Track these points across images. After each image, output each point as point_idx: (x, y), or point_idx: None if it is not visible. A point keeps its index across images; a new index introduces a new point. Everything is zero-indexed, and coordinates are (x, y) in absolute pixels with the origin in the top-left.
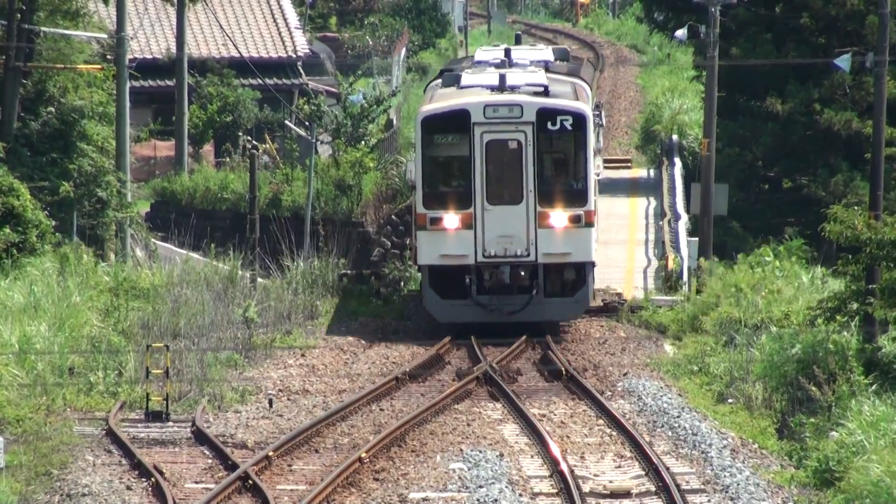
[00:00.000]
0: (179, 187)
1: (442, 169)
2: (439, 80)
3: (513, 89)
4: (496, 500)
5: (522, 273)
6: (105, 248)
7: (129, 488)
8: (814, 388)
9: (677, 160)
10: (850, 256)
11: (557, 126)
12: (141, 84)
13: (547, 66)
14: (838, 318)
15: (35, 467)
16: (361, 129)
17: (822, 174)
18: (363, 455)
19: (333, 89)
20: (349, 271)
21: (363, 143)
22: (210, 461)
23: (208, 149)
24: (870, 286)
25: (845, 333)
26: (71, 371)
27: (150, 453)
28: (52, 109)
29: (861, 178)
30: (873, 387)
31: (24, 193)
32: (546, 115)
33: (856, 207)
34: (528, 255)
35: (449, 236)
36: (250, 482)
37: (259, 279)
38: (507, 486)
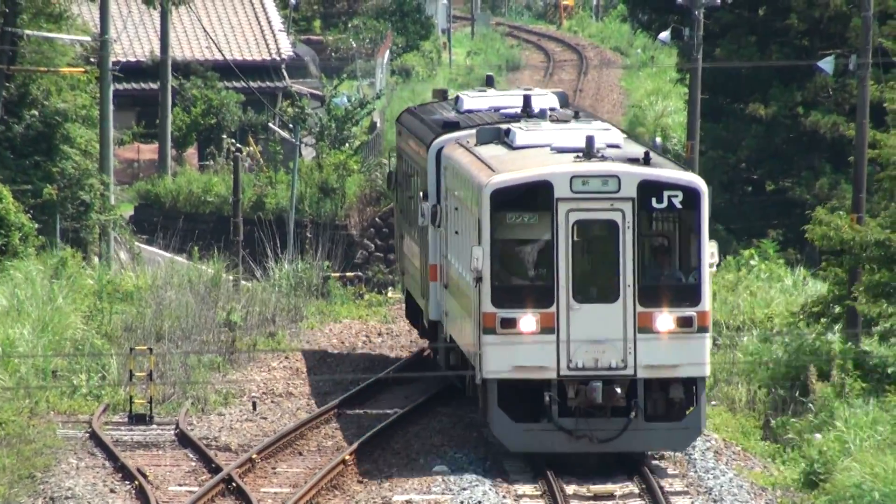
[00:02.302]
0: (163, 190)
1: (516, 256)
2: (463, 135)
3: (603, 155)
4: (480, 502)
5: (618, 390)
6: (88, 252)
7: (112, 491)
8: (813, 386)
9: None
10: (834, 259)
11: (664, 203)
12: (124, 87)
13: (577, 115)
14: (822, 320)
15: (18, 470)
16: (345, 131)
17: (805, 177)
18: (347, 457)
19: (317, 92)
20: (333, 273)
21: (347, 145)
22: (194, 464)
23: (192, 152)
24: (852, 289)
25: (829, 336)
26: (54, 374)
27: (133, 456)
28: (36, 112)
29: (845, 180)
30: (858, 388)
31: (7, 196)
32: (650, 189)
33: (841, 212)
34: (625, 367)
35: (524, 342)
36: (234, 485)
37: (243, 282)
38: (490, 489)
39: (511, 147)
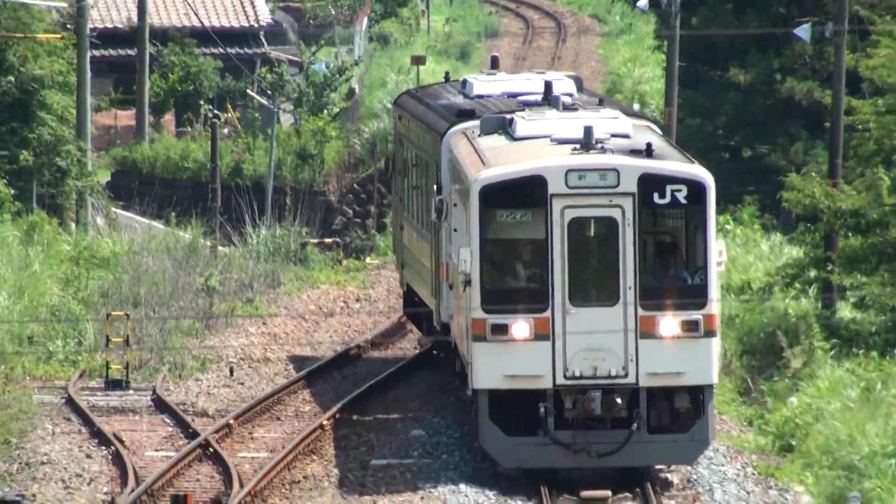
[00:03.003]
0: (140, 156)
1: (507, 257)
2: (470, 125)
3: (602, 147)
4: (457, 467)
5: (619, 400)
6: (65, 218)
7: (88, 456)
8: (787, 351)
9: None
10: (809, 225)
11: (667, 198)
12: (102, 53)
13: (601, 102)
14: (797, 284)
15: None
16: (324, 98)
17: (782, 143)
18: (325, 422)
19: (296, 59)
20: (311, 240)
21: (325, 112)
22: (170, 429)
23: (169, 118)
24: (828, 253)
25: (803, 300)
26: (30, 340)
27: (109, 421)
28: (12, 79)
29: (821, 146)
30: (832, 352)
31: None
32: (652, 183)
33: (813, 174)
34: (627, 375)
35: (517, 350)
36: (211, 450)
37: (220, 248)
38: (468, 454)
39: (512, 138)
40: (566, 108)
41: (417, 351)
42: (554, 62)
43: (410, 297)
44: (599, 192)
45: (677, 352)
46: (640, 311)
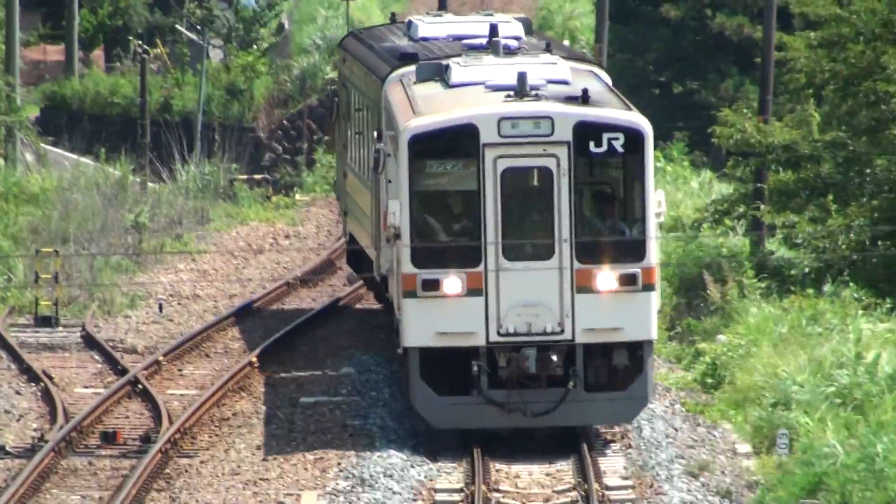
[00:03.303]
0: (70, 92)
1: (438, 210)
2: (407, 71)
3: (537, 94)
4: (386, 404)
5: (554, 357)
6: None
7: (18, 393)
8: (714, 288)
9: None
10: (740, 159)
11: (604, 147)
12: None
13: (548, 47)
14: (726, 220)
15: None
16: (253, 33)
17: (712, 79)
18: (253, 359)
19: None
20: (240, 176)
21: (255, 47)
22: (100, 366)
23: (98, 53)
24: (759, 185)
25: (732, 236)
26: None
27: (39, 358)
28: None
29: (751, 82)
30: (762, 290)
31: None
32: (588, 131)
33: (745, 110)
34: (562, 331)
35: (449, 306)
36: (140, 387)
37: (150, 184)
38: (398, 391)
39: (447, 85)
40: (508, 52)
41: (347, 289)
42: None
43: (353, 248)
44: (533, 140)
45: (615, 307)
46: (577, 265)
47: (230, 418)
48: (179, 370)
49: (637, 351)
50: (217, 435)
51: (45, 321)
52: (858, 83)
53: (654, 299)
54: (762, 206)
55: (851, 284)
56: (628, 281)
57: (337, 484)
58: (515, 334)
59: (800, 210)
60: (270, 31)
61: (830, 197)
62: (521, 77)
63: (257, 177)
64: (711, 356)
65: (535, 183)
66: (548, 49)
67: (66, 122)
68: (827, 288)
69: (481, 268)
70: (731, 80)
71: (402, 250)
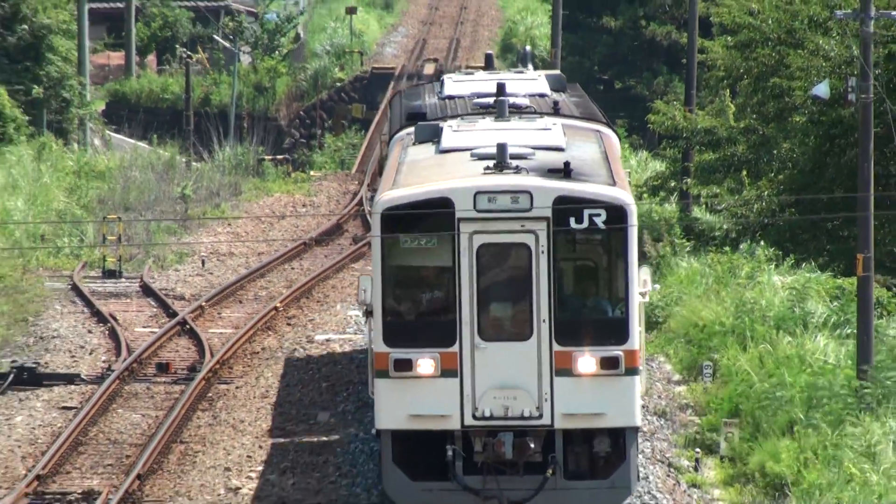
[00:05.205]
0: (129, 89)
1: (412, 287)
2: (410, 131)
3: (517, 166)
4: None
5: (532, 444)
6: (69, 139)
7: (90, 332)
8: (648, 249)
9: (530, 66)
10: (670, 141)
11: (585, 223)
12: (97, 6)
13: (556, 108)
14: (660, 193)
15: (14, 315)
16: (275, 41)
17: (646, 77)
18: (278, 305)
19: (252, 10)
20: (266, 156)
21: (276, 52)
22: (155, 310)
23: (152, 58)
24: (686, 164)
25: (666, 206)
26: (42, 238)
27: (106, 304)
28: (26, 27)
29: (678, 79)
30: (689, 249)
31: (3, 94)
32: (568, 206)
33: (674, 102)
34: (541, 415)
35: (422, 387)
36: (188, 326)
37: (193, 163)
38: None
39: (438, 149)
40: (515, 112)
41: (352, 247)
42: (461, 12)
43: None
44: (511, 216)
45: (596, 391)
46: (556, 346)
47: (259, 352)
48: (219, 313)
49: (619, 437)
50: (249, 365)
51: (110, 274)
52: (766, 79)
53: (638, 384)
54: (689, 180)
55: (762, 244)
56: (610, 364)
57: (346, 406)
58: (492, 418)
59: (719, 183)
60: (289, 40)
61: (744, 172)
62: (502, 148)
63: (279, 157)
64: (650, 302)
65: (513, 260)
66: (555, 109)
67: (126, 113)
68: (742, 247)
69: (456, 347)
70: (661, 78)
71: (375, 328)
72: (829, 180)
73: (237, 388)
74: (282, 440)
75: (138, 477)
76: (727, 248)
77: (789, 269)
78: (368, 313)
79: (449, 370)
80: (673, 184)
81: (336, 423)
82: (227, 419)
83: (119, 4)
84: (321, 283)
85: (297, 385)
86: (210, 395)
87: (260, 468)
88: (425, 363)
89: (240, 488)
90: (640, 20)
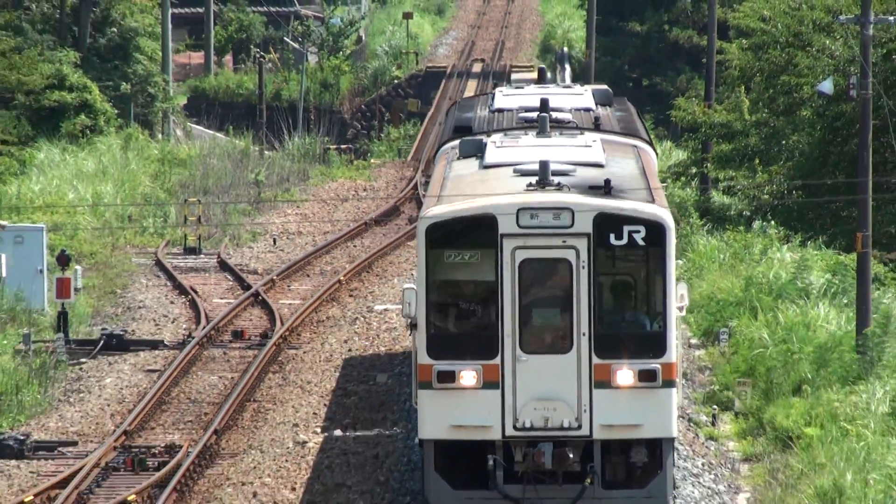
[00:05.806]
0: (207, 86)
1: (455, 300)
2: (455, 145)
3: (559, 183)
4: None
5: (571, 454)
6: (154, 130)
7: (172, 303)
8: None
9: (567, 66)
10: (691, 134)
11: (624, 240)
12: (179, 11)
13: (597, 123)
14: (682, 178)
15: (104, 288)
16: (339, 43)
17: (671, 75)
18: (341, 278)
19: (319, 14)
20: (331, 146)
21: (340, 53)
22: (231, 283)
23: (228, 58)
24: (704, 155)
25: (687, 190)
26: (129, 218)
27: (187, 278)
28: (115, 29)
29: (699, 77)
30: (706, 227)
31: (95, 90)
32: (608, 223)
33: (694, 99)
34: (580, 426)
35: (465, 398)
36: (260, 298)
37: (266, 152)
38: None
39: (482, 164)
40: (557, 127)
41: (408, 227)
42: (506, 17)
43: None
44: (553, 232)
45: (634, 403)
46: (595, 360)
47: (324, 321)
48: (288, 286)
49: (656, 448)
50: (315, 332)
51: (191, 251)
52: (777, 77)
53: (675, 396)
54: (709, 165)
55: (773, 223)
56: (648, 377)
57: (402, 368)
58: (532, 428)
59: (735, 170)
60: (352, 42)
61: (757, 161)
62: (544, 165)
63: (343, 146)
64: None
65: (554, 275)
66: (596, 124)
67: (205, 107)
68: (755, 226)
69: (498, 360)
70: (684, 76)
71: (419, 340)
72: (832, 167)
73: (304, 352)
74: (344, 399)
75: (215, 432)
76: (741, 227)
77: (797, 247)
78: (413, 325)
79: (491, 382)
80: (694, 171)
81: (393, 384)
82: (296, 380)
83: (199, 9)
84: (380, 259)
85: (358, 350)
86: (280, 358)
87: (325, 424)
88: (468, 375)
89: (306, 442)
90: (664, 25)
